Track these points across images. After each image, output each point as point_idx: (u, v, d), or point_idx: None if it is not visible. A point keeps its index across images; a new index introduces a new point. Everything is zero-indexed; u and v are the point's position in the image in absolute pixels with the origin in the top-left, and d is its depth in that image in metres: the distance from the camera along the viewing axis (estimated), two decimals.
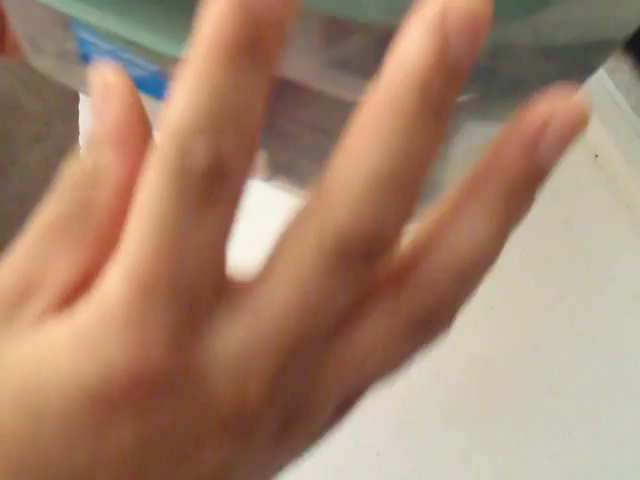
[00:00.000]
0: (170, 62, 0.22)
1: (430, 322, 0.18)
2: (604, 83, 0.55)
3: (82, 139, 0.55)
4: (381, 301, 0.17)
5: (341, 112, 0.22)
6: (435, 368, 0.44)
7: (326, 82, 0.20)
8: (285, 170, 0.27)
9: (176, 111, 0.15)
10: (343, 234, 0.15)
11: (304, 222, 0.16)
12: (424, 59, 0.14)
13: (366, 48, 0.18)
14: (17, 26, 0.29)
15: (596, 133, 0.55)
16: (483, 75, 0.20)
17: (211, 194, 0.15)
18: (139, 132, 0.18)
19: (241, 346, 0.16)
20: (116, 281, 0.16)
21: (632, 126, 0.53)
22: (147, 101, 0.24)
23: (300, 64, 0.20)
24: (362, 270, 0.16)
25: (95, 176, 0.18)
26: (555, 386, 0.43)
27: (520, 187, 0.17)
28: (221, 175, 0.15)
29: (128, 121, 0.18)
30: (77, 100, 0.59)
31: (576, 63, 0.23)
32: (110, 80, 0.18)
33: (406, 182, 0.15)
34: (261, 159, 0.26)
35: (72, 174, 0.19)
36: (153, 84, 0.26)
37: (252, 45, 0.14)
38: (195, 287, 0.16)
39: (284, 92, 0.23)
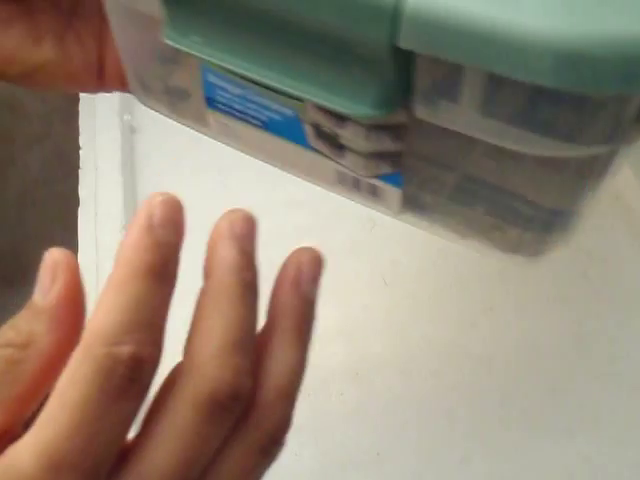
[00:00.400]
0: (304, 106, 0.25)
1: (273, 443, 0.22)
2: None
3: (82, 140, 0.55)
4: (235, 438, 0.21)
5: (491, 160, 0.24)
6: (435, 368, 0.44)
7: (483, 132, 0.21)
8: (416, 207, 0.28)
9: (105, 316, 0.19)
10: (213, 389, 0.20)
11: (179, 383, 0.20)
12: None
13: (522, 100, 0.19)
14: (127, 62, 0.30)
15: None
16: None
17: (129, 387, 0.19)
18: (76, 313, 0.21)
19: None
20: (27, 454, 0.18)
21: None
22: (278, 143, 0.27)
23: (461, 116, 0.21)
24: (230, 415, 0.20)
25: (28, 339, 0.20)
26: (555, 386, 0.43)
27: (302, 314, 0.24)
28: (139, 372, 0.19)
29: (69, 301, 0.21)
30: (77, 101, 0.59)
31: None
32: (59, 259, 0.21)
33: (245, 343, 0.21)
34: (396, 198, 0.27)
35: (6, 333, 0.21)
36: (285, 127, 0.26)
37: (159, 264, 0.21)
38: (99, 465, 0.19)
39: (433, 138, 0.24)
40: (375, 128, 0.24)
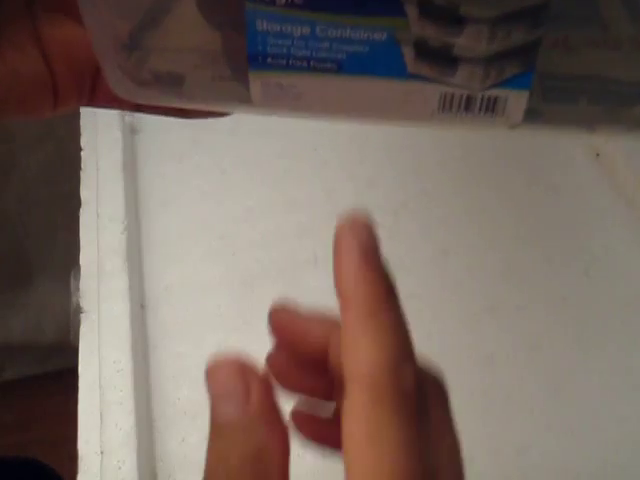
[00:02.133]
0: (405, 21, 0.21)
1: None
2: None
3: (83, 141, 0.55)
4: None
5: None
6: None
7: None
8: (535, 117, 0.25)
9: (373, 350, 0.19)
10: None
11: None
12: None
13: None
14: (107, 52, 0.24)
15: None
16: None
17: (414, 403, 0.19)
18: (279, 410, 0.21)
19: None
20: None
21: None
22: (358, 86, 0.24)
23: None
24: None
25: (259, 454, 0.19)
26: (556, 386, 0.43)
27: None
28: (424, 390, 0.20)
29: (271, 400, 0.21)
30: None
31: None
32: (238, 361, 0.21)
33: None
34: (521, 106, 0.24)
35: (231, 456, 0.20)
36: (372, 59, 0.23)
37: (391, 287, 0.21)
38: None
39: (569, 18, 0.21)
40: (504, 21, 0.21)
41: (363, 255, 0.21)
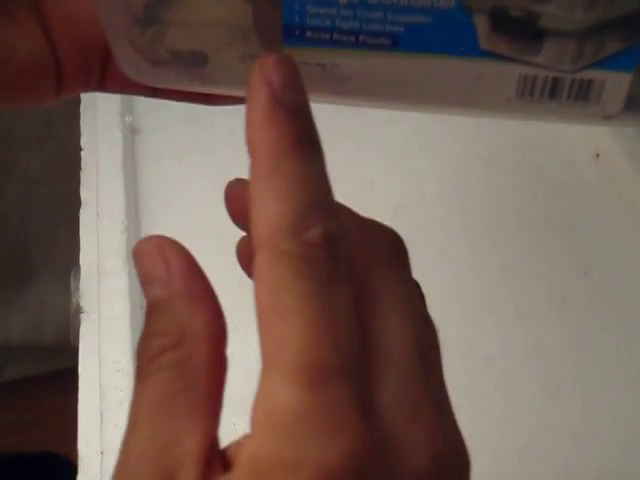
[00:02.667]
0: None
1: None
2: None
3: (83, 141, 0.55)
4: None
5: None
6: None
7: None
8: (636, 105, 0.20)
9: (275, 205, 0.17)
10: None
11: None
12: None
13: None
14: (115, 30, 0.21)
15: (597, 132, 0.55)
16: None
17: (337, 267, 0.16)
18: (205, 282, 0.19)
19: (401, 394, 0.17)
20: (281, 385, 0.15)
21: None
22: (418, 65, 0.20)
23: None
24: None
25: (179, 333, 0.18)
26: (556, 386, 0.43)
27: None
28: (339, 249, 0.17)
29: (195, 274, 0.19)
30: (79, 102, 0.59)
31: None
32: (159, 241, 0.19)
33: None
34: (622, 90, 0.20)
35: (151, 341, 0.18)
36: (436, 33, 0.19)
37: (303, 133, 0.17)
38: (357, 360, 0.16)
39: None
40: None
41: (268, 100, 0.17)
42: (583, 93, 0.20)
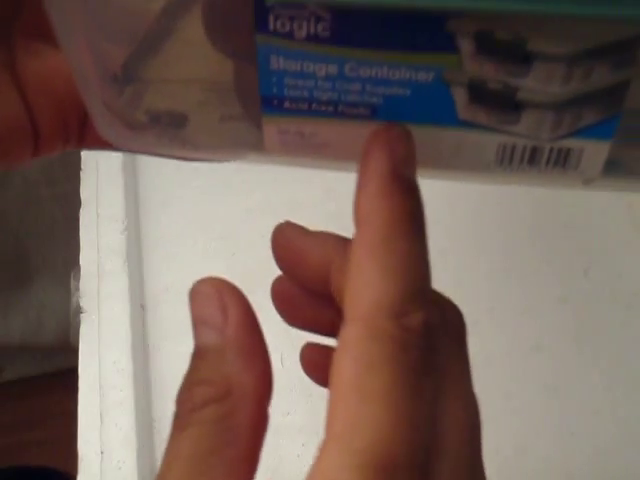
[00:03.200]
0: (458, 58, 0.18)
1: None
2: None
3: None
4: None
5: None
6: None
7: None
8: (614, 168, 0.21)
9: (381, 283, 0.16)
10: None
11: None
12: None
13: None
14: (91, 92, 0.20)
15: None
16: None
17: (430, 360, 0.16)
18: (260, 339, 0.19)
19: None
20: (346, 472, 0.15)
21: None
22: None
23: None
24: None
25: (225, 387, 0.17)
26: (556, 386, 0.43)
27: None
28: (435, 341, 0.16)
29: (251, 328, 0.18)
30: None
31: None
32: (219, 285, 0.18)
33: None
34: (600, 157, 0.20)
35: (196, 391, 0.18)
36: (414, 103, 0.19)
37: (418, 212, 0.17)
38: (424, 456, 0.16)
39: None
40: (584, 58, 0.17)
41: (389, 171, 0.17)
42: (562, 160, 0.20)
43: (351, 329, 0.16)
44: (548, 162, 0.20)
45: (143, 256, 0.50)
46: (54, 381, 1.09)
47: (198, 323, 0.18)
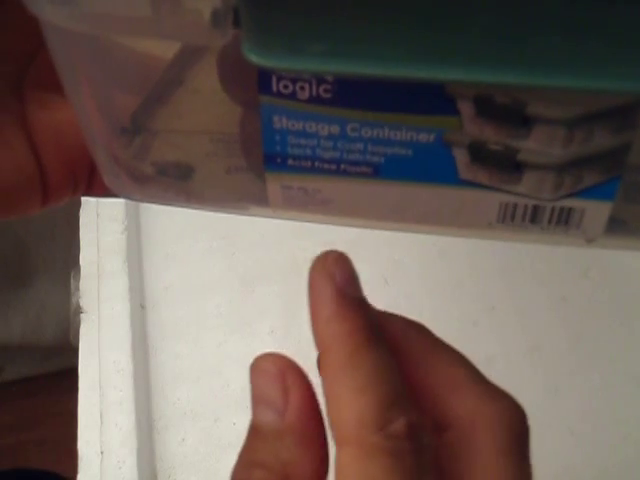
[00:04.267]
0: (458, 120, 0.18)
1: None
2: None
3: None
4: None
5: None
6: None
7: None
8: (618, 227, 0.21)
9: (357, 401, 0.17)
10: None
11: None
12: None
13: None
14: (99, 146, 0.21)
15: None
16: None
17: (424, 458, 0.17)
18: (320, 423, 0.19)
19: None
20: None
21: None
22: (399, 192, 0.20)
23: None
24: None
25: (284, 473, 0.18)
26: (556, 386, 0.43)
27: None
28: (422, 438, 0.17)
29: (312, 413, 0.18)
30: None
31: None
32: (283, 365, 0.19)
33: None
34: (602, 217, 0.20)
35: (254, 474, 0.18)
36: (416, 163, 0.19)
37: (371, 325, 0.19)
38: None
39: None
40: (583, 122, 0.17)
41: (334, 295, 0.19)
42: (564, 219, 0.20)
43: (344, 453, 0.17)
44: (550, 221, 0.20)
45: (143, 256, 0.50)
46: (54, 381, 1.09)
47: (258, 401, 0.19)
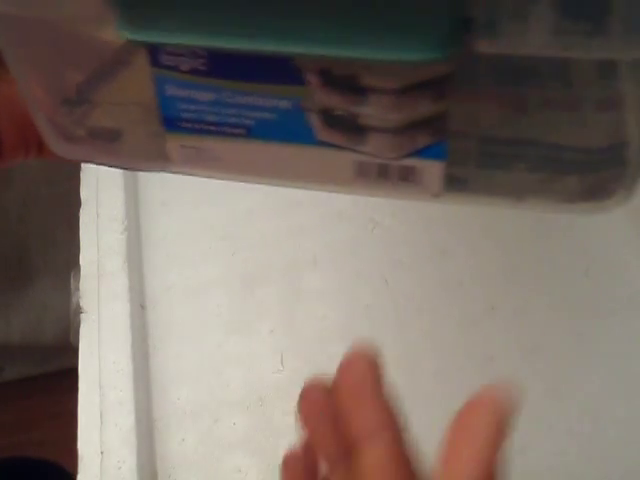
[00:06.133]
0: (308, 89, 0.21)
1: None
2: None
3: None
4: None
5: (549, 119, 0.21)
6: (437, 368, 0.44)
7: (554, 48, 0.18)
8: (455, 183, 0.24)
9: None
10: None
11: None
12: None
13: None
14: (37, 110, 0.24)
15: None
16: None
17: None
18: None
19: None
20: None
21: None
22: (270, 150, 0.23)
23: (532, 37, 0.18)
24: None
25: None
26: (556, 386, 0.43)
27: None
28: None
29: None
30: None
31: None
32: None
33: None
34: (437, 174, 0.24)
35: None
36: (280, 126, 0.22)
37: None
38: None
39: (473, 90, 0.21)
40: (408, 91, 0.21)
41: (368, 394, 0.21)
42: (408, 176, 0.24)
43: None
44: (397, 177, 0.24)
45: (143, 256, 0.50)
46: (54, 381, 1.09)
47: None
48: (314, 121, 0.22)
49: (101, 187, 0.52)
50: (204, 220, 0.51)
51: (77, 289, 0.47)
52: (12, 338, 1.15)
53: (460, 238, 0.50)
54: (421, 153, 0.23)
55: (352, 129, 0.22)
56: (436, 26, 0.18)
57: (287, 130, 0.23)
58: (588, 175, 0.24)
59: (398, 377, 0.44)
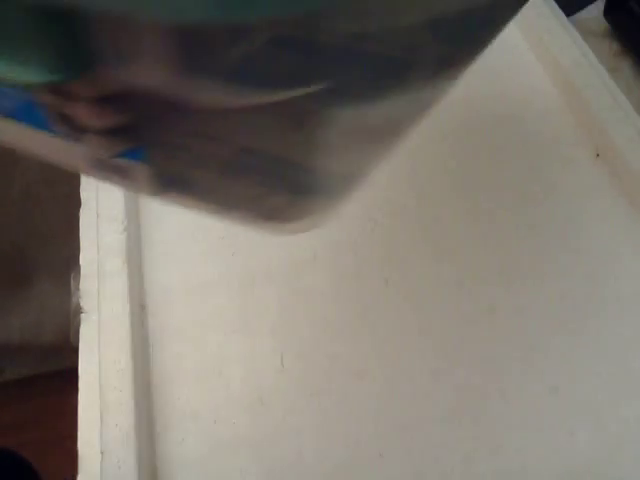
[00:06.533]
0: (35, 88, 0.22)
1: None
2: (605, 82, 0.55)
3: None
4: None
5: (226, 118, 0.23)
6: (437, 369, 0.44)
7: (191, 90, 0.20)
8: (175, 183, 0.27)
9: None
10: None
11: None
12: None
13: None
14: None
15: (597, 132, 0.55)
16: (338, 60, 0.20)
17: None
18: None
19: None
20: None
21: (633, 125, 0.53)
22: (30, 133, 0.25)
23: (154, 74, 0.20)
24: None
25: None
26: (556, 386, 0.43)
27: None
28: None
29: None
30: None
31: (456, 34, 0.21)
32: None
33: None
34: (145, 174, 0.26)
35: None
36: (29, 113, 0.24)
37: None
38: None
39: (164, 107, 0.23)
40: (100, 101, 0.22)
41: None
42: (125, 174, 0.26)
43: None
44: (118, 174, 0.26)
45: (143, 256, 0.50)
46: (54, 381, 1.09)
47: None
48: (50, 115, 0.24)
49: (101, 187, 0.52)
50: (204, 220, 0.51)
51: (77, 289, 0.47)
52: (12, 338, 1.15)
53: (460, 238, 0.50)
54: (126, 155, 0.25)
55: (75, 126, 0.24)
56: (46, 54, 0.19)
57: (34, 118, 0.24)
58: (298, 196, 0.26)
59: (397, 377, 0.44)
